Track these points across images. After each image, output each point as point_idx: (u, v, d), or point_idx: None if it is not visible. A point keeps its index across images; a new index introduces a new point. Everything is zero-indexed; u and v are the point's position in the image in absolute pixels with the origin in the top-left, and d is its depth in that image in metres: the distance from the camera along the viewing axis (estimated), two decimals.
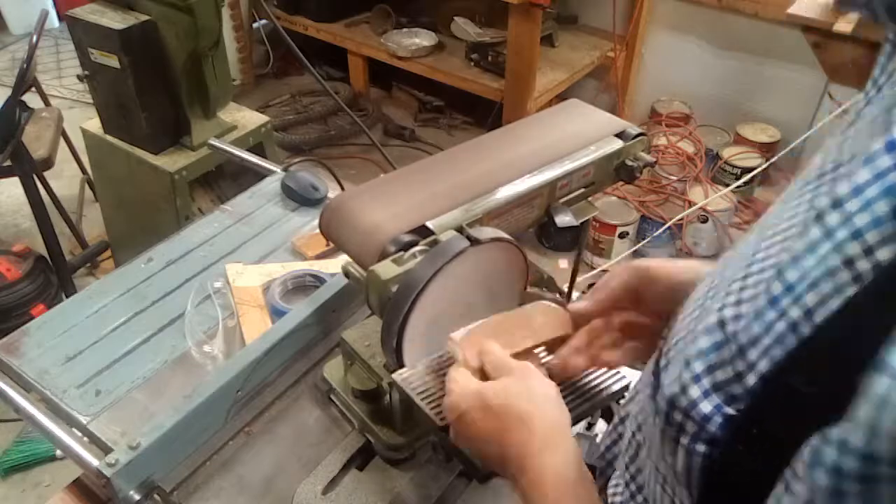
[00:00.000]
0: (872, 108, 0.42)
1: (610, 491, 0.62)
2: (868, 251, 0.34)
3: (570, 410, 0.69)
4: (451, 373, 0.62)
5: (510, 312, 0.69)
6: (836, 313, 0.34)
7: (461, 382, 0.61)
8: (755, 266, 0.42)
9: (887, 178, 0.35)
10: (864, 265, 0.34)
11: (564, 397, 0.70)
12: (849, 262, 0.35)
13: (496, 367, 0.62)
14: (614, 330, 0.69)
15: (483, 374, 0.63)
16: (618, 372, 0.73)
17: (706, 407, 0.40)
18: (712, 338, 0.41)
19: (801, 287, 0.36)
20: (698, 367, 0.41)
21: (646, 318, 0.67)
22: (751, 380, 0.38)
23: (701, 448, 0.40)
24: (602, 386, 0.72)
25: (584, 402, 0.71)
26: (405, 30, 3.17)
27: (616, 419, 0.67)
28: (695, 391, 0.41)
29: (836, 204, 0.36)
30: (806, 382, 0.35)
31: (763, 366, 0.37)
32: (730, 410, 0.39)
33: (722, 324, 0.41)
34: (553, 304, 0.71)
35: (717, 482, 0.39)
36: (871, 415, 0.30)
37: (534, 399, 0.58)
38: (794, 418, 0.34)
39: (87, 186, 2.73)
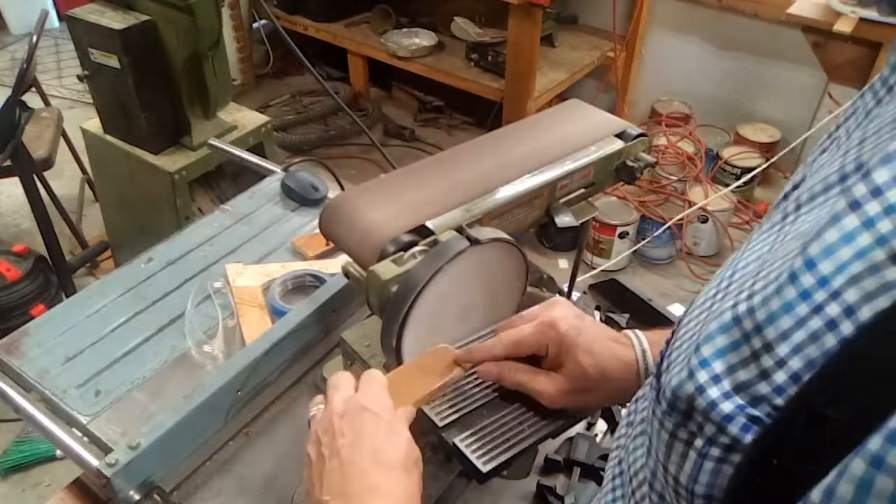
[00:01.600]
0: (890, 108, 0.40)
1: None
2: None
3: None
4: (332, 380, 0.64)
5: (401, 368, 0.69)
6: (885, 312, 0.31)
7: (341, 390, 0.62)
8: (768, 260, 0.40)
9: None
10: None
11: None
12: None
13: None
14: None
15: None
16: None
17: (727, 407, 0.37)
18: (730, 336, 0.38)
19: (838, 281, 0.33)
20: (718, 366, 0.38)
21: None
22: (779, 377, 0.35)
23: (715, 452, 0.38)
24: None
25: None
26: (405, 30, 3.18)
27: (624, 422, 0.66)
28: (714, 391, 0.38)
29: (876, 192, 0.34)
30: (847, 389, 0.32)
31: (795, 364, 0.34)
32: (755, 412, 0.36)
33: (737, 320, 0.38)
34: (441, 346, 0.71)
35: (742, 490, 0.36)
36: None
37: (361, 458, 0.59)
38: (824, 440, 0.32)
39: (87, 186, 2.73)
